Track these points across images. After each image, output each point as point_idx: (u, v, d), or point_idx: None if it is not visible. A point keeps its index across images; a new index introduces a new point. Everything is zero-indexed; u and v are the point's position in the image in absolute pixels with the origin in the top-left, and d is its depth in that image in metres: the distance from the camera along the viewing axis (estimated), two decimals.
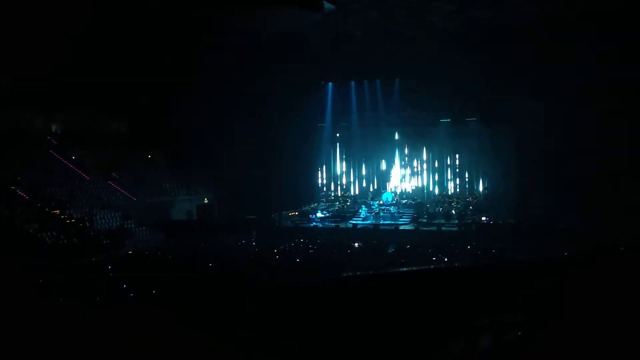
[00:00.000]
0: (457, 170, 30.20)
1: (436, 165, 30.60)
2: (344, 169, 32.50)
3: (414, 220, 25.62)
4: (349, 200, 29.86)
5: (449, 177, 30.45)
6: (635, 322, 2.90)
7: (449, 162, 30.39)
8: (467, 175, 29.89)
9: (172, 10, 21.93)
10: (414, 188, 30.69)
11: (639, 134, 21.69)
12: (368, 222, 25.63)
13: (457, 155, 30.05)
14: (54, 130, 27.90)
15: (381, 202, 27.65)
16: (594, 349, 2.90)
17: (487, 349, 3.01)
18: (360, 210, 27.04)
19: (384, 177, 31.46)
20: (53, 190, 23.62)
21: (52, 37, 22.75)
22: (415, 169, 30.90)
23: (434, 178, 30.68)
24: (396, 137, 30.96)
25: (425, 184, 30.79)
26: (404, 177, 30.94)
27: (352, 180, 32.37)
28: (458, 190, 29.83)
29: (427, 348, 3.01)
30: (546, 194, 23.27)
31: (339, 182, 32.50)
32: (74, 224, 21.71)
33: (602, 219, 20.13)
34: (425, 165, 30.80)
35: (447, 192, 29.64)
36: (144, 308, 4.09)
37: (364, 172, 32.12)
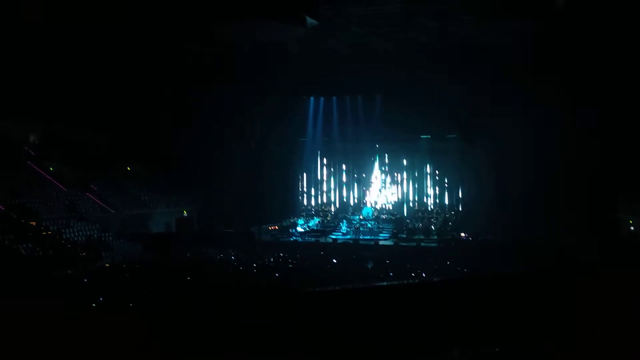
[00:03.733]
0: (437, 186, 30.43)
1: (416, 181, 30.81)
2: (325, 177, 32.48)
3: (393, 235, 25.73)
4: (329, 215, 29.92)
5: (429, 192, 30.65)
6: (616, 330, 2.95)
7: (429, 178, 30.62)
8: (446, 191, 30.13)
9: (156, 24, 21.90)
10: (393, 203, 30.85)
11: (613, 152, 22.17)
12: (348, 237, 25.66)
13: (437, 172, 30.31)
14: (31, 140, 27.58)
15: (361, 217, 27.73)
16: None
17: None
18: (340, 225, 27.09)
19: (364, 190, 31.53)
20: (30, 201, 23.28)
21: (33, 46, 22.60)
22: (395, 178, 31.02)
23: (413, 194, 30.87)
24: (377, 152, 31.14)
25: (405, 199, 30.95)
26: (384, 185, 31.03)
27: (332, 187, 32.36)
28: (438, 205, 30.04)
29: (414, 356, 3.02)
30: (525, 210, 23.55)
31: (319, 187, 32.46)
32: (50, 236, 21.39)
33: (579, 234, 20.45)
34: (405, 181, 30.98)
35: (427, 208, 29.82)
36: (123, 319, 4.04)
37: (344, 178, 32.12)
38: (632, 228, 22.62)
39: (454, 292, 3.27)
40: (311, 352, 2.99)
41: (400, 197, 31.04)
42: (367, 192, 31.32)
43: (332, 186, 32.37)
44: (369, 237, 25.31)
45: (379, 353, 3.03)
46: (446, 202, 30.01)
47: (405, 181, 30.95)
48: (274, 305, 3.13)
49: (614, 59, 21.17)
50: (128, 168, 30.58)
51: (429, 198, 30.57)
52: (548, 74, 22.35)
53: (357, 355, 3.01)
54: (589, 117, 22.22)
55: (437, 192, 30.42)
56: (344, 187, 32.20)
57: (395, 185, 31.08)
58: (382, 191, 31.01)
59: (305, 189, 32.60)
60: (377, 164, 31.16)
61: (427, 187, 30.65)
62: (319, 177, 32.56)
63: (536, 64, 22.68)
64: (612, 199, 22.60)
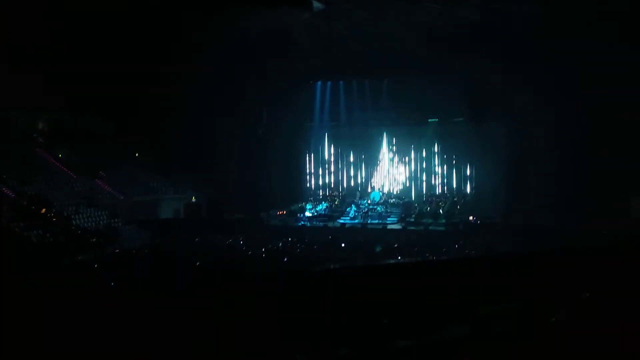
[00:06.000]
0: (445, 169, 30.32)
1: (424, 164, 30.71)
2: (332, 159, 32.39)
3: (401, 219, 25.72)
4: (337, 200, 29.92)
5: (437, 175, 30.53)
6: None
7: (436, 162, 30.49)
8: (454, 175, 30.03)
9: (161, 8, 21.82)
10: (402, 185, 30.81)
11: (628, 134, 22.00)
12: (356, 221, 25.69)
13: (445, 155, 30.20)
14: (40, 128, 27.69)
15: (369, 202, 27.71)
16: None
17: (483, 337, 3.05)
18: (348, 210, 27.11)
19: (371, 172, 31.43)
20: (39, 188, 23.45)
21: (39, 36, 22.63)
22: (403, 160, 30.92)
23: (421, 177, 30.78)
24: (384, 136, 31.04)
25: (413, 183, 30.87)
26: (391, 163, 30.97)
27: (340, 167, 32.29)
28: (446, 189, 29.96)
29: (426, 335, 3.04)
30: (533, 193, 23.43)
31: (326, 169, 32.38)
32: (60, 222, 21.56)
33: (590, 218, 20.38)
34: (413, 165, 30.88)
35: (435, 192, 29.74)
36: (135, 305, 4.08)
37: (352, 159, 32.08)
38: None
39: (461, 271, 3.28)
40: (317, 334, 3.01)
41: (407, 179, 30.90)
42: (375, 171, 31.21)
43: (340, 167, 32.22)
44: (377, 221, 25.33)
45: (385, 333, 3.05)
46: (454, 185, 29.90)
47: (413, 163, 30.82)
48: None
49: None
50: (137, 154, 30.68)
51: (437, 177, 30.40)
52: (559, 54, 22.12)
53: (363, 336, 3.03)
54: (601, 98, 22.06)
55: (446, 175, 30.28)
56: (352, 170, 32.03)
57: (403, 166, 30.94)
58: (390, 170, 30.90)
59: (312, 170, 32.47)
60: (384, 142, 31.00)
61: (435, 166, 30.43)
62: (326, 158, 32.40)
63: (542, 47, 22.45)
64: (622, 182, 22.45)
